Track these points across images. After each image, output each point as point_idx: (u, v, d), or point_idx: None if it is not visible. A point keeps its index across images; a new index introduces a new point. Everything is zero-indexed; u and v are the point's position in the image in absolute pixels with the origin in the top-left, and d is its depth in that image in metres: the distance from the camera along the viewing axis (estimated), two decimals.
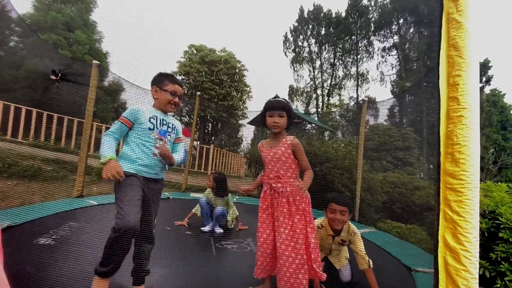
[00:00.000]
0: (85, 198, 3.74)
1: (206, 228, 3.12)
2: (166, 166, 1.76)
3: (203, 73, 12.75)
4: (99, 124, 7.97)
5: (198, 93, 5.86)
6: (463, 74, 0.80)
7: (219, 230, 3.12)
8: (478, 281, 0.77)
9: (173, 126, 1.79)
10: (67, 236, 2.34)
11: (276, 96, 1.82)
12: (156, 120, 1.68)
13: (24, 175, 4.56)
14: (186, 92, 12.89)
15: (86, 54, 11.27)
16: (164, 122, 1.72)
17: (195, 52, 13.66)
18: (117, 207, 1.48)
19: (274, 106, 1.73)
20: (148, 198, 1.61)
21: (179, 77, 13.20)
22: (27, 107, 6.87)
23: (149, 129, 1.64)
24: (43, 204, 3.23)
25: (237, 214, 3.32)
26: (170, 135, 1.75)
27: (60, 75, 3.53)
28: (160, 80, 1.73)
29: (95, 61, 3.79)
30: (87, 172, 4.82)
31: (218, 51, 14.01)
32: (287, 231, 1.65)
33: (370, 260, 1.89)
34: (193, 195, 5.04)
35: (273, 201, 1.73)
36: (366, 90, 23.18)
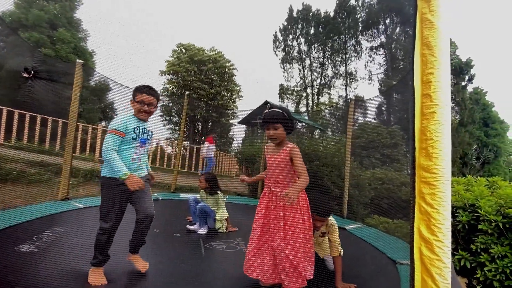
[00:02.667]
0: (71, 201, 3.65)
1: (192, 227, 3.10)
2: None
3: (192, 72, 12.64)
4: (85, 125, 7.77)
5: (187, 92, 5.81)
6: (435, 72, 0.84)
7: (203, 230, 3.06)
8: (450, 269, 0.80)
9: (151, 133, 2.04)
10: (51, 239, 2.29)
11: (268, 105, 1.86)
12: (139, 129, 1.90)
13: (7, 178, 4.42)
14: (174, 92, 12.73)
15: (70, 53, 10.97)
16: (145, 131, 1.95)
17: (183, 51, 13.52)
18: (101, 210, 1.80)
19: (267, 120, 1.79)
20: (133, 193, 1.86)
21: (168, 76, 13.05)
22: (8, 108, 6.64)
23: (132, 138, 1.86)
24: (27, 207, 3.14)
25: (227, 216, 3.25)
26: (148, 142, 2.00)
27: (33, 72, 3.36)
28: (134, 92, 1.94)
29: (79, 60, 3.70)
30: (73, 174, 4.70)
31: (207, 50, 13.92)
32: (281, 233, 1.73)
33: (341, 249, 2.07)
34: (183, 195, 5.00)
35: (269, 204, 1.83)
36: (354, 88, 23.54)
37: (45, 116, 6.86)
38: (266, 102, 10.02)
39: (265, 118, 1.80)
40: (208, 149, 7.90)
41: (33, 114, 6.76)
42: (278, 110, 1.81)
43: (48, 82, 3.59)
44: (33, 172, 5.02)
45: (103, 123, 11.96)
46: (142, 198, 1.90)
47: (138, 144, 1.88)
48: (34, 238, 2.27)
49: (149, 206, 1.93)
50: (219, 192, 3.25)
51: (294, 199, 1.53)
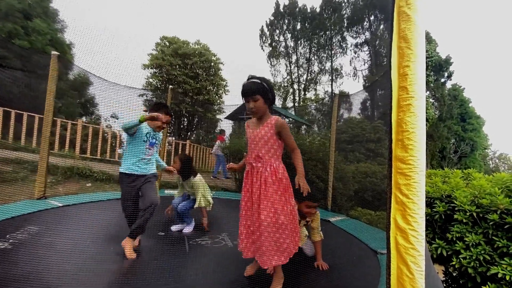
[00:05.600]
0: (48, 199, 3.50)
1: (175, 228, 2.97)
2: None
3: (177, 66, 12.35)
4: (64, 120, 7.44)
5: (170, 86, 5.67)
6: (411, 65, 0.85)
7: (187, 229, 2.96)
8: (424, 257, 0.83)
9: (159, 138, 2.50)
10: (26, 240, 2.19)
11: (250, 78, 1.73)
12: (150, 135, 2.37)
13: None
14: (158, 86, 12.43)
15: (47, 45, 10.42)
16: (154, 136, 2.41)
17: (167, 44, 13.17)
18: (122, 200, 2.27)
19: (245, 92, 1.69)
20: (142, 186, 2.29)
21: (151, 70, 12.73)
22: None
23: (143, 141, 2.32)
24: (0, 207, 2.98)
25: (210, 202, 3.00)
26: (156, 146, 2.45)
27: None
28: (154, 109, 2.38)
29: (54, 52, 3.51)
30: (51, 172, 4.51)
31: (192, 44, 13.62)
32: (265, 212, 1.64)
33: (321, 233, 2.27)
34: (168, 191, 4.92)
35: (253, 182, 1.72)
36: (340, 84, 23.85)
37: (20, 112, 6.51)
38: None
39: (244, 90, 1.70)
40: (217, 147, 7.82)
41: (7, 109, 6.40)
42: (256, 80, 1.70)
43: (4, 69, 3.31)
44: (7, 170, 4.78)
45: (84, 118, 11.52)
46: (148, 189, 2.26)
47: (147, 146, 2.34)
48: (7, 236, 2.17)
49: (153, 195, 2.26)
50: (193, 177, 2.97)
51: (306, 187, 1.58)
